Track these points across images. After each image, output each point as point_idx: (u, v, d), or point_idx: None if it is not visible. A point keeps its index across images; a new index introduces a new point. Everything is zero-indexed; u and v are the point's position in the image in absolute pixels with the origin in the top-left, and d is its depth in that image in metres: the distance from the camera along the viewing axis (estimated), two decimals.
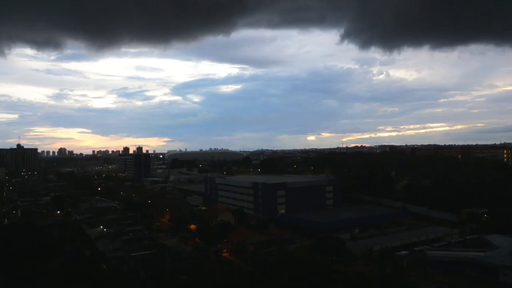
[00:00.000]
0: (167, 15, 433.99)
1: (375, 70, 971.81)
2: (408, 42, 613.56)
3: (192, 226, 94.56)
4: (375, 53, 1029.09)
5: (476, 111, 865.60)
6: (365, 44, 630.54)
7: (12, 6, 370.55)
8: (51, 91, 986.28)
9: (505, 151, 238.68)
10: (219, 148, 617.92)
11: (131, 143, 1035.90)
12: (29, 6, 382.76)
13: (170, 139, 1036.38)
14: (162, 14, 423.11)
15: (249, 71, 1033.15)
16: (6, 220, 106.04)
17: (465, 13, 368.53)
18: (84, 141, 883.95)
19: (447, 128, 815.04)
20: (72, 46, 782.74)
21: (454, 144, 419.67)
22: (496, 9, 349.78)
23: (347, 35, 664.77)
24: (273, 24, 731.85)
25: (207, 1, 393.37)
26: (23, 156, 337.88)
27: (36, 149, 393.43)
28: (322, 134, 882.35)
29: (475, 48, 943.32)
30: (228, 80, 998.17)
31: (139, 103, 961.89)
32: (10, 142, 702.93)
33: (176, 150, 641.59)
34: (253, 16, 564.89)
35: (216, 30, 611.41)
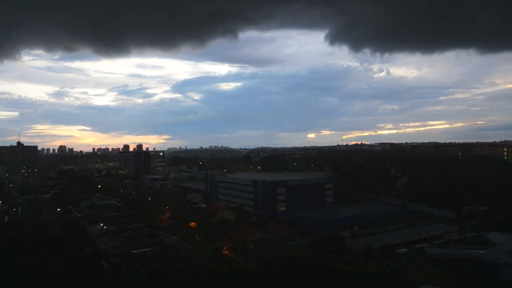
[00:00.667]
0: (175, 23, 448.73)
1: (375, 68, 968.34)
2: (397, 47, 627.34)
3: (192, 224, 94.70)
4: (366, 55, 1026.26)
5: (476, 109, 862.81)
6: (354, 48, 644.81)
7: (26, 15, 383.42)
8: (51, 88, 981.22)
9: (505, 149, 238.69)
10: (219, 145, 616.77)
11: (131, 140, 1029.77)
12: (44, 15, 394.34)
13: (170, 137, 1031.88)
14: (170, 21, 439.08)
15: (249, 69, 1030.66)
16: (6, 217, 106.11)
17: (451, 20, 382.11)
18: (84, 138, 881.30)
19: (447, 126, 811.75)
20: (79, 49, 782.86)
21: (454, 142, 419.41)
22: (480, 16, 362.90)
23: (336, 40, 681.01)
24: (273, 27, 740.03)
25: (213, 10, 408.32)
26: (23, 154, 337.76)
27: (36, 147, 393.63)
28: (322, 131, 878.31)
29: (460, 52, 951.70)
30: (228, 77, 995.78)
31: (140, 100, 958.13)
32: (10, 140, 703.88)
33: (176, 148, 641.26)
34: (253, 25, 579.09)
35: (223, 35, 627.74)
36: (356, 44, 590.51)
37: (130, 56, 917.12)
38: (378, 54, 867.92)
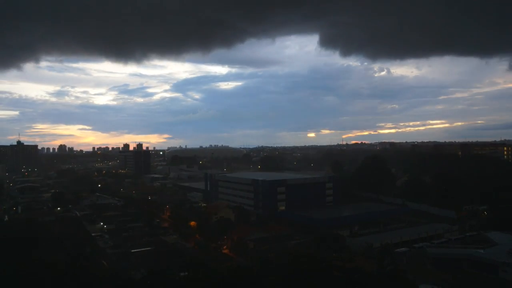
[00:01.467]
0: (182, 32, 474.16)
1: (376, 67, 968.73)
2: (385, 53, 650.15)
3: (192, 223, 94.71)
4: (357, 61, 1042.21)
5: (476, 108, 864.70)
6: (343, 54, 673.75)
7: (46, 29, 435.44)
8: (52, 88, 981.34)
9: (505, 148, 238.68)
10: (219, 145, 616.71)
11: (132, 139, 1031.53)
12: (60, 27, 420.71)
13: (170, 136, 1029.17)
14: (177, 30, 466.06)
15: (250, 70, 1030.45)
16: (6, 216, 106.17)
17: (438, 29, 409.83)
18: (84, 137, 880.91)
19: (447, 125, 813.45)
20: (90, 56, 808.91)
21: (454, 141, 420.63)
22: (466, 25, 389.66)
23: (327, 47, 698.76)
24: (272, 35, 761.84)
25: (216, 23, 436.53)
26: (23, 153, 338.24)
27: (36, 146, 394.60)
28: (322, 131, 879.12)
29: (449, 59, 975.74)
30: (228, 77, 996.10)
31: (140, 100, 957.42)
32: (10, 139, 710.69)
33: (176, 147, 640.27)
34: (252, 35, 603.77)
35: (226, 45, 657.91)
36: (345, 52, 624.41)
37: (136, 61, 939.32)
38: (368, 60, 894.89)
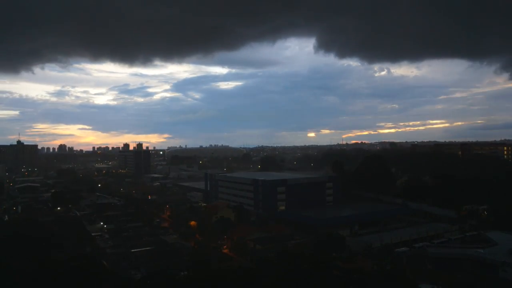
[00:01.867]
0: (184, 37, 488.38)
1: (376, 67, 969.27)
2: (384, 57, 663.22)
3: (192, 223, 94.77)
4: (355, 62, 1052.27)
5: (476, 108, 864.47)
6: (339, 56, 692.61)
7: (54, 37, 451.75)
8: (52, 88, 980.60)
9: (505, 148, 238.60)
10: (219, 144, 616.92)
11: (132, 139, 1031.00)
12: (64, 33, 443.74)
13: (170, 136, 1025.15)
14: (179, 35, 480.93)
15: (250, 70, 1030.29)
16: (6, 216, 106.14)
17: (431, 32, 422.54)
18: (84, 137, 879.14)
19: (447, 125, 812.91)
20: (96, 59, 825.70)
21: (454, 141, 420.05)
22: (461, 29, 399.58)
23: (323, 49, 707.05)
24: (272, 38, 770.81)
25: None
26: (23, 153, 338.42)
27: (36, 146, 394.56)
28: (322, 131, 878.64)
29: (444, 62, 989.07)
30: (228, 77, 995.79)
31: (140, 99, 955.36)
32: (10, 139, 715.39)
33: (176, 147, 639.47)
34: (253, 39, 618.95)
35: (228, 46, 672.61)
36: (339, 55, 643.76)
37: (139, 64, 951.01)
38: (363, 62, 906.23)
